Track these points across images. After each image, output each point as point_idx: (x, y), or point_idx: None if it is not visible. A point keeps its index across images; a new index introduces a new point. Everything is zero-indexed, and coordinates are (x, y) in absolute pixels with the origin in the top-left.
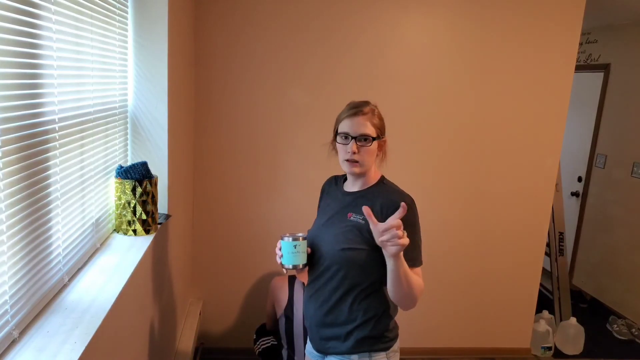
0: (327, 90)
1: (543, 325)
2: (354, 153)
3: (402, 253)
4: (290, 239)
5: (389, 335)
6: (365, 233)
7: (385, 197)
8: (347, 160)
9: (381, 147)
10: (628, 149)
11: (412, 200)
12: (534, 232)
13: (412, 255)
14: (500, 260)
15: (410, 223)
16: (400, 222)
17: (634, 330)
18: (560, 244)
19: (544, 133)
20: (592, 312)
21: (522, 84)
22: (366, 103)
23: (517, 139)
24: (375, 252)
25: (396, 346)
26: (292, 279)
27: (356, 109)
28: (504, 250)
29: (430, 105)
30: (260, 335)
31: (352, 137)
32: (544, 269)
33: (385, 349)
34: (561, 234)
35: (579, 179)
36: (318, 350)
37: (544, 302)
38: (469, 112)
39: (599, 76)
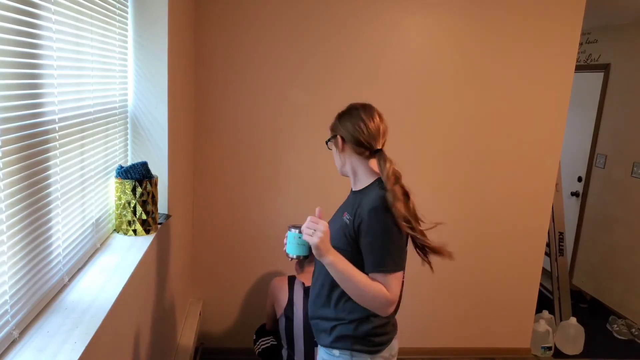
0: (327, 90)
1: (543, 325)
2: None
3: (327, 253)
4: (296, 230)
5: (374, 339)
6: (348, 234)
7: (366, 198)
8: None
9: (339, 147)
10: (628, 149)
11: (377, 209)
12: (534, 232)
13: (373, 259)
14: (500, 260)
15: (373, 228)
16: (318, 219)
17: (633, 330)
18: (560, 244)
19: (544, 133)
20: (592, 312)
21: (522, 84)
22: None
23: (517, 139)
24: (359, 255)
25: (386, 353)
26: (292, 280)
27: None
28: (504, 250)
29: (430, 106)
30: (260, 335)
31: None
32: (544, 269)
33: (370, 353)
34: (561, 234)
35: (579, 179)
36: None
37: (544, 302)
38: (469, 112)
39: (599, 76)
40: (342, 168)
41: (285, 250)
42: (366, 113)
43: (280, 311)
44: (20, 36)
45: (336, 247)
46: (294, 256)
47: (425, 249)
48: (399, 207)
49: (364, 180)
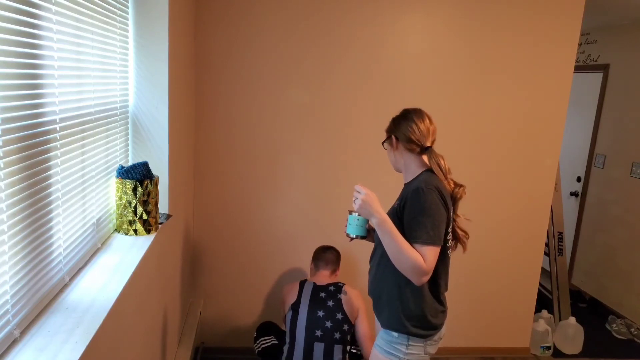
0: (328, 90)
1: (542, 325)
2: None
3: (374, 214)
4: (355, 213)
5: (428, 324)
6: (395, 216)
7: (413, 185)
8: None
9: (393, 145)
10: (627, 149)
11: (419, 190)
12: (533, 232)
13: (410, 232)
14: (499, 260)
15: (412, 206)
16: (359, 188)
17: (632, 329)
18: (560, 243)
19: (543, 133)
20: (591, 311)
21: (522, 84)
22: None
23: (516, 139)
24: (404, 235)
25: (436, 337)
26: (303, 282)
27: None
28: (503, 250)
29: (429, 106)
30: (261, 334)
31: None
32: (543, 269)
33: (424, 337)
34: (560, 233)
35: (578, 179)
36: (377, 319)
37: (543, 302)
38: (468, 112)
39: (598, 76)
40: (396, 164)
41: (346, 232)
42: (417, 116)
43: (288, 306)
44: (20, 36)
45: None
46: (354, 236)
47: (454, 233)
48: (446, 185)
49: (414, 173)
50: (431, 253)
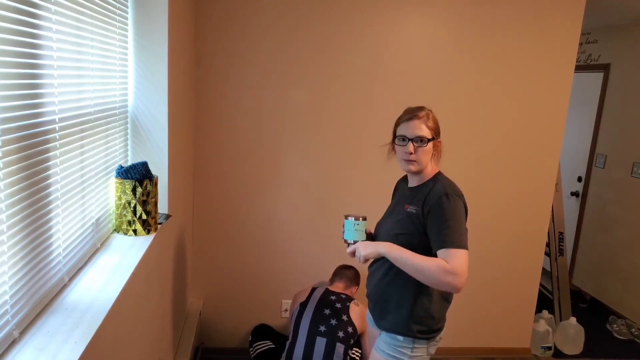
0: (328, 90)
1: (543, 325)
2: (411, 153)
3: (376, 250)
4: (352, 218)
5: (432, 327)
6: (415, 220)
7: (432, 189)
8: (405, 160)
9: (436, 147)
10: (628, 149)
11: (448, 196)
12: (533, 232)
13: (439, 238)
14: (500, 260)
15: (440, 212)
16: (350, 252)
17: (633, 330)
18: (560, 244)
19: (543, 133)
20: (591, 312)
21: (522, 84)
22: (421, 108)
23: (517, 139)
24: (423, 236)
25: (437, 338)
26: (315, 287)
27: (412, 113)
28: (503, 250)
29: (429, 106)
30: (256, 338)
31: (410, 139)
32: (543, 269)
33: (428, 339)
34: (561, 234)
35: (579, 179)
36: (376, 324)
37: (544, 302)
38: (469, 113)
39: (598, 76)
40: (426, 165)
41: (343, 238)
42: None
43: (296, 305)
44: (20, 36)
45: (403, 233)
46: (351, 241)
47: None
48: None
49: (427, 176)
50: (459, 255)
